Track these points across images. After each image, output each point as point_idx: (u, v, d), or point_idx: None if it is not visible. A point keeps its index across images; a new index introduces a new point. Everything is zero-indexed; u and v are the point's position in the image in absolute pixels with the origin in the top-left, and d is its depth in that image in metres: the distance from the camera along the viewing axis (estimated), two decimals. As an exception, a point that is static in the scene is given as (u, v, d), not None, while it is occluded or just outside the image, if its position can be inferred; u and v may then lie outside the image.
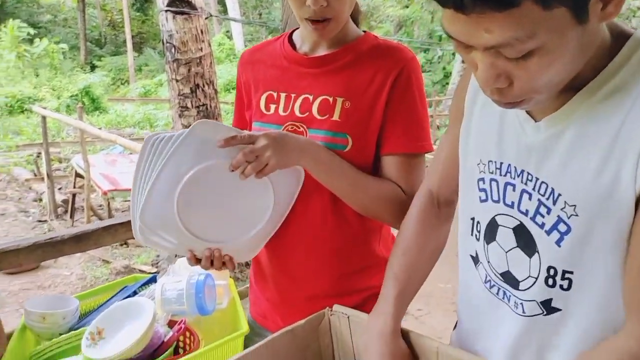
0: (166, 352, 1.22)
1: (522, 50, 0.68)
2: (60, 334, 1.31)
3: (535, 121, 0.84)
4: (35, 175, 8.57)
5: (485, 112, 0.94)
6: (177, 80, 4.00)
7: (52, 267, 5.28)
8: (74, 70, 20.28)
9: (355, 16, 1.31)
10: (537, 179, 0.84)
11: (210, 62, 4.02)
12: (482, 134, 0.94)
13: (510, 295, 0.92)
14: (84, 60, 22.32)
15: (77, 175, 6.71)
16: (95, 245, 1.88)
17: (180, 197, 1.14)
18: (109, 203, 5.93)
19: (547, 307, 0.86)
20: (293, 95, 1.27)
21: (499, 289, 0.95)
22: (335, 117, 1.22)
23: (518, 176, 0.87)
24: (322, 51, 1.28)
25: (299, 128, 1.25)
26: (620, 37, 0.78)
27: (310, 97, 1.25)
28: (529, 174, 0.85)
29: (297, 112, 1.26)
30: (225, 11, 21.38)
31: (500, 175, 0.90)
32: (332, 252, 1.29)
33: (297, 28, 1.32)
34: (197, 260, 1.23)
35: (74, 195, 6.63)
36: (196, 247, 1.21)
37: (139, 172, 1.15)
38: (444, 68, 17.39)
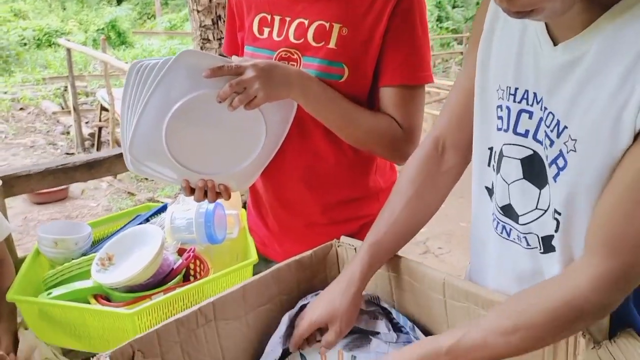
0: (175, 279, 1.22)
1: None
2: (73, 260, 1.32)
3: (555, 44, 0.77)
4: (63, 108, 8.65)
5: (505, 35, 0.86)
6: (198, 11, 3.89)
7: (80, 199, 5.40)
8: (100, 3, 20.08)
9: None
10: (545, 108, 0.78)
11: (232, -8, 3.89)
12: (501, 58, 0.87)
13: (510, 229, 0.88)
14: (111, -6, 22.08)
15: (103, 108, 6.75)
16: (108, 173, 1.87)
17: (168, 129, 1.10)
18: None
19: (546, 245, 0.82)
20: (288, 19, 1.20)
21: (497, 223, 0.90)
22: (332, 44, 1.15)
23: (537, 103, 0.80)
24: None
25: (293, 55, 1.19)
26: None
27: (306, 22, 1.17)
28: (546, 100, 0.79)
29: (291, 38, 1.19)
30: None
31: (515, 102, 0.83)
32: (327, 181, 1.26)
33: None
34: (191, 191, 1.19)
35: (99, 129, 6.69)
36: (190, 178, 1.17)
37: (126, 102, 1.10)
38: (477, 3, 16.72)
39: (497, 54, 0.88)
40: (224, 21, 3.96)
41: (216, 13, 3.92)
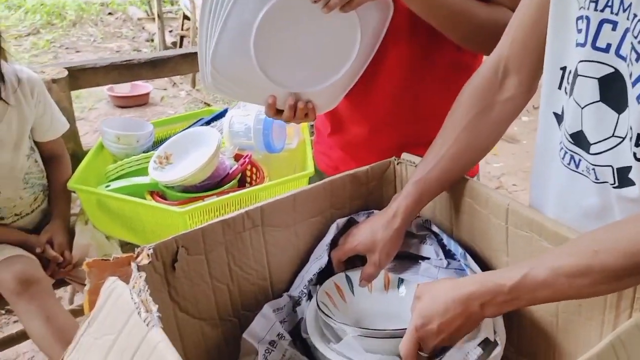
0: (230, 183, 1.21)
1: None
2: (134, 157, 1.33)
3: None
4: (148, 15, 8.75)
5: None
6: None
7: (159, 105, 5.53)
8: None
9: None
10: (635, 15, 0.65)
11: None
12: None
13: (580, 160, 0.77)
14: None
15: (185, 17, 6.75)
16: (172, 73, 1.87)
17: (257, 35, 0.99)
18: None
19: (622, 177, 0.72)
20: None
21: (565, 152, 0.80)
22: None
23: (624, 10, 0.68)
24: None
25: None
26: None
27: None
28: (631, 6, 0.66)
29: None
30: None
31: (596, 10, 0.70)
32: (418, 101, 1.17)
33: None
34: (276, 112, 1.11)
35: (181, 38, 6.72)
36: (277, 94, 1.08)
37: (207, 5, 1.00)
38: None
39: None
40: None
41: None
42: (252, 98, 1.11)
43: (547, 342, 0.89)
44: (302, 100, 1.09)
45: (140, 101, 5.46)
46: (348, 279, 0.94)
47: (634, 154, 0.69)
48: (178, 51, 1.87)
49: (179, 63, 1.81)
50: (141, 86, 5.04)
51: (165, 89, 5.94)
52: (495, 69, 0.90)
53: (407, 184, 0.92)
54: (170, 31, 7.81)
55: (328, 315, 0.83)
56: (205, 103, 5.49)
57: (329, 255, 0.94)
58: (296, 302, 0.92)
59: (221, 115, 1.44)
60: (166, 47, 6.98)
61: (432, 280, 0.77)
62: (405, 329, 0.73)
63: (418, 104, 1.19)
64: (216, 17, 1.00)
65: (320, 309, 0.84)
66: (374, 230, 0.91)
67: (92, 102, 5.26)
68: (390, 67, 1.15)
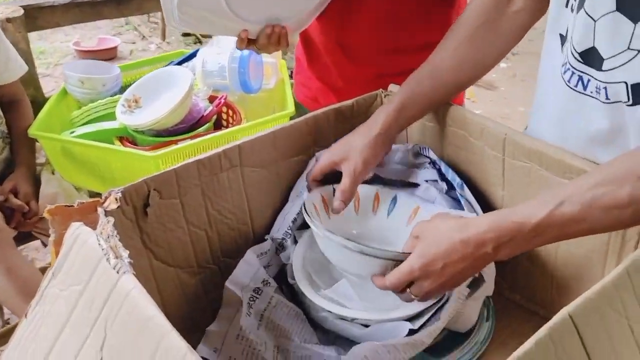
0: (205, 126, 1.14)
1: None
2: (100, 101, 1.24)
3: None
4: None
5: None
6: None
7: (128, 59, 5.34)
8: None
9: None
10: None
11: None
12: None
13: (588, 80, 0.71)
14: None
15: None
16: (138, 11, 1.76)
17: None
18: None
19: (638, 93, 0.66)
20: None
21: (572, 73, 0.74)
22: None
23: None
24: None
25: None
26: None
27: None
28: None
29: None
30: None
31: None
32: (405, 20, 1.11)
33: None
34: (249, 43, 1.05)
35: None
36: (250, 28, 1.02)
37: None
38: None
39: None
40: None
41: None
42: (222, 31, 1.05)
43: (545, 277, 0.85)
44: (279, 29, 1.03)
45: (107, 55, 5.26)
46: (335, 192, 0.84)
47: None
48: None
49: (145, 0, 1.69)
50: (108, 40, 4.85)
51: (134, 43, 5.71)
52: None
53: (393, 94, 0.85)
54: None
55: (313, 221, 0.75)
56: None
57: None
58: (280, 245, 0.87)
59: (193, 55, 1.34)
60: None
61: (432, 217, 0.70)
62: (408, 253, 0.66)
63: (399, 35, 1.13)
64: None
65: (308, 214, 0.76)
66: (351, 139, 0.83)
67: (58, 57, 5.04)
68: None
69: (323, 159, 0.83)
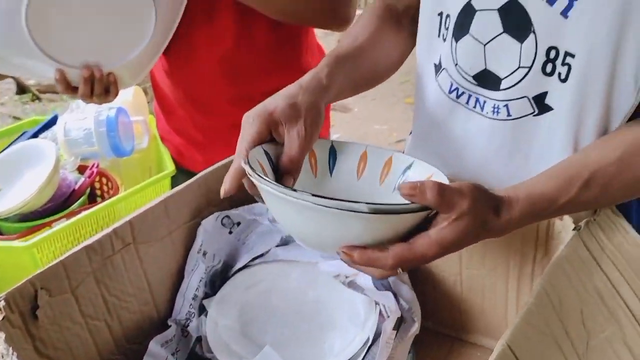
0: (79, 201, 1.04)
1: None
2: (-54, 189, 1.09)
3: None
4: None
5: None
6: None
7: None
8: None
9: None
10: None
11: None
12: None
13: (485, 101, 0.76)
14: None
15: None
16: None
17: (30, 13, 0.88)
18: None
19: (540, 103, 0.72)
20: None
21: (470, 96, 0.78)
22: None
23: None
24: None
25: None
26: None
27: None
28: None
29: None
30: None
31: None
32: (251, 69, 1.11)
33: None
34: (72, 89, 0.99)
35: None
36: (66, 70, 0.97)
37: None
38: None
39: None
40: None
41: None
42: (42, 75, 0.99)
43: (452, 300, 0.88)
44: (101, 70, 0.98)
45: None
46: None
47: (558, 75, 0.68)
48: None
49: None
50: None
51: None
52: (389, 10, 0.88)
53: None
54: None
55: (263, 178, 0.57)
56: (14, 117, 4.89)
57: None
58: (185, 327, 0.81)
59: (51, 123, 1.23)
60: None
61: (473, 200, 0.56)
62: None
63: (248, 83, 1.12)
64: None
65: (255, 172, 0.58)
66: (291, 95, 0.69)
67: None
68: (207, 44, 1.07)
69: (261, 119, 0.67)
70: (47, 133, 1.19)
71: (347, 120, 4.69)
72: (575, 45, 0.67)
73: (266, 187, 0.56)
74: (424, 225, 0.56)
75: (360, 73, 0.82)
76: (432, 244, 0.55)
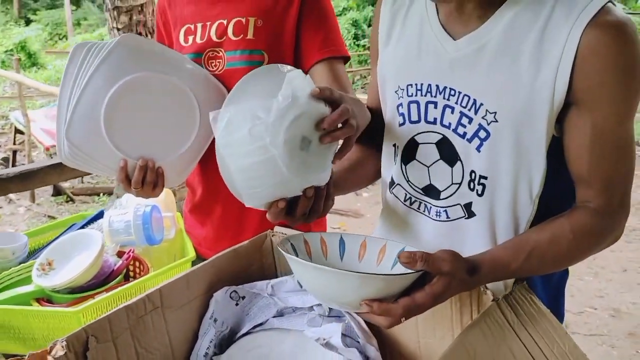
0: (116, 279, 1.28)
1: None
2: (12, 269, 1.34)
3: (455, 40, 0.92)
4: (-28, 132, 8.23)
5: (403, 41, 1.01)
6: (118, 29, 3.90)
7: (-4, 225, 5.18)
8: (7, 24, 19.22)
9: None
10: (459, 92, 0.93)
11: (153, 10, 3.93)
12: (400, 61, 1.02)
13: (431, 207, 1.01)
14: (18, 14, 21.14)
15: (17, 131, 6.50)
16: (42, 184, 1.89)
17: (107, 109, 1.16)
18: (52, 159, 5.79)
19: (469, 210, 0.96)
20: (208, 24, 1.34)
21: (420, 203, 1.04)
22: (250, 35, 1.29)
23: (440, 93, 0.95)
24: None
25: (218, 53, 1.33)
26: None
27: (225, 22, 1.32)
28: (451, 89, 0.93)
29: (213, 38, 1.33)
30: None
31: (421, 95, 0.97)
32: None
33: None
34: (126, 178, 1.23)
35: (14, 152, 6.43)
36: (127, 162, 1.22)
37: (66, 84, 1.17)
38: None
39: (395, 58, 1.03)
40: (145, 37, 3.99)
41: (136, 30, 3.95)
42: (105, 169, 1.23)
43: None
44: (154, 162, 1.23)
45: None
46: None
47: (481, 189, 0.94)
48: (46, 162, 1.90)
49: (48, 173, 1.84)
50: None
51: (0, 207, 5.58)
52: None
53: None
54: (-2, 146, 7.43)
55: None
56: (49, 217, 5.25)
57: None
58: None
59: (97, 217, 1.50)
60: (-3, 163, 6.62)
61: (452, 261, 0.82)
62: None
63: None
64: (73, 94, 1.16)
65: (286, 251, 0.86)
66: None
67: None
68: None
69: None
70: (94, 225, 1.46)
71: (360, 224, 4.94)
72: (486, 171, 0.93)
73: (308, 264, 0.82)
74: (419, 283, 0.81)
75: (352, 179, 1.12)
76: (428, 296, 0.80)
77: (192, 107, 1.25)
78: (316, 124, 0.85)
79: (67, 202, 5.69)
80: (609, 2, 0.84)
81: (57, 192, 5.75)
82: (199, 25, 1.34)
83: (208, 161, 1.34)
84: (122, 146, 1.20)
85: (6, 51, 14.76)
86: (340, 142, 0.91)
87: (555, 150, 0.90)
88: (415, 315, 0.81)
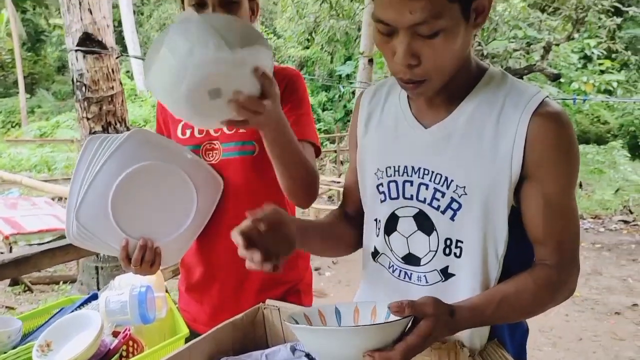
0: (113, 358, 1.34)
1: (432, 28, 0.95)
2: (8, 352, 1.39)
3: (426, 128, 1.10)
4: None
5: (380, 130, 1.19)
6: (88, 119, 4.04)
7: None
8: (-41, 113, 19.07)
9: None
10: (432, 171, 1.09)
11: (122, 100, 4.10)
12: (378, 146, 1.19)
13: (412, 273, 1.15)
14: (-30, 103, 21.02)
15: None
16: (34, 269, 1.93)
17: (114, 194, 1.29)
18: (11, 247, 5.68)
19: (445, 273, 1.10)
20: None
21: (400, 271, 1.18)
22: (242, 129, 1.43)
23: (415, 173, 1.11)
24: None
25: (215, 145, 1.48)
26: (481, 67, 1.11)
27: None
28: (425, 169, 1.10)
29: (211, 132, 1.49)
30: (124, 50, 21.01)
31: (399, 175, 1.14)
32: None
33: None
34: (128, 260, 1.34)
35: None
36: (130, 242, 1.34)
37: (78, 172, 1.30)
38: (344, 106, 18.10)
39: (374, 145, 1.20)
40: (114, 127, 4.12)
41: (106, 120, 4.09)
42: (108, 248, 1.34)
43: None
44: (153, 242, 1.36)
45: None
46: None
47: (458, 252, 1.09)
48: (38, 248, 1.96)
49: (39, 259, 1.90)
50: None
51: (12, 277, 5.38)
52: (344, 214, 1.34)
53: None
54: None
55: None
56: (7, 307, 5.11)
57: None
58: None
59: (89, 299, 1.57)
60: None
61: (435, 308, 0.95)
62: None
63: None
64: (85, 179, 1.29)
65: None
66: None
67: None
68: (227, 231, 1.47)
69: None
70: (89, 306, 1.52)
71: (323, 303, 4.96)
72: (461, 236, 1.08)
73: (313, 328, 0.98)
74: (411, 329, 0.93)
75: (323, 237, 1.25)
76: (418, 337, 0.92)
77: (190, 193, 1.39)
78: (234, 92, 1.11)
79: (24, 291, 5.55)
80: (547, 97, 1.04)
81: (15, 282, 5.61)
82: None
83: (205, 242, 1.46)
84: (125, 227, 1.32)
85: (-43, 140, 14.60)
86: None
87: (515, 220, 1.07)
88: (412, 357, 0.92)
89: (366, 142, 1.22)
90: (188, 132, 1.50)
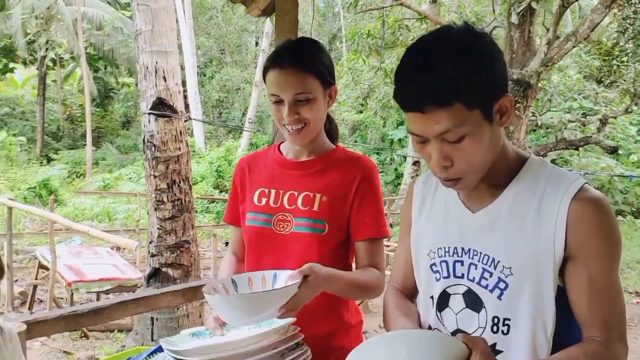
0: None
1: (457, 134, 1.08)
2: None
3: (473, 212, 1.21)
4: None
5: (432, 215, 1.31)
6: (155, 176, 4.31)
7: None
8: (29, 162, 20.23)
9: (332, 135, 1.72)
10: (480, 252, 1.20)
11: (187, 160, 4.37)
12: (431, 230, 1.31)
13: None
14: (40, 153, 22.29)
15: (41, 266, 6.74)
16: (108, 319, 2.10)
17: None
18: (72, 294, 5.97)
19: (493, 350, 1.18)
20: (281, 192, 1.64)
21: None
22: (315, 208, 1.59)
23: (465, 253, 1.22)
24: (303, 158, 1.67)
25: (287, 218, 1.61)
26: (522, 156, 1.23)
27: (295, 193, 1.63)
28: (474, 250, 1.21)
29: (285, 205, 1.63)
30: (187, 109, 21.96)
31: (449, 256, 1.24)
32: (309, 320, 1.53)
33: (284, 141, 1.70)
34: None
35: (34, 287, 6.62)
36: None
37: None
38: (395, 169, 18.28)
39: (427, 229, 1.32)
40: (178, 185, 4.38)
41: (171, 178, 4.36)
42: None
43: None
44: None
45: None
46: None
47: (506, 329, 1.17)
48: (114, 300, 2.15)
49: (114, 310, 2.06)
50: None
51: (91, 326, 5.65)
52: (400, 291, 1.43)
53: None
54: (16, 280, 7.60)
55: None
56: (64, 352, 5.32)
57: None
58: None
59: (155, 351, 1.70)
60: (13, 297, 6.76)
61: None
62: None
63: (309, 323, 1.54)
64: None
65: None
66: None
67: None
68: None
69: None
70: (157, 356, 1.66)
71: None
72: (509, 314, 1.17)
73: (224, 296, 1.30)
74: None
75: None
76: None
77: None
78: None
79: (81, 337, 5.77)
80: (585, 183, 1.15)
81: (72, 327, 5.84)
82: (273, 191, 1.64)
83: None
84: None
85: (29, 188, 15.44)
86: None
87: (562, 300, 1.15)
88: None
89: (420, 226, 1.34)
90: (264, 200, 1.65)
